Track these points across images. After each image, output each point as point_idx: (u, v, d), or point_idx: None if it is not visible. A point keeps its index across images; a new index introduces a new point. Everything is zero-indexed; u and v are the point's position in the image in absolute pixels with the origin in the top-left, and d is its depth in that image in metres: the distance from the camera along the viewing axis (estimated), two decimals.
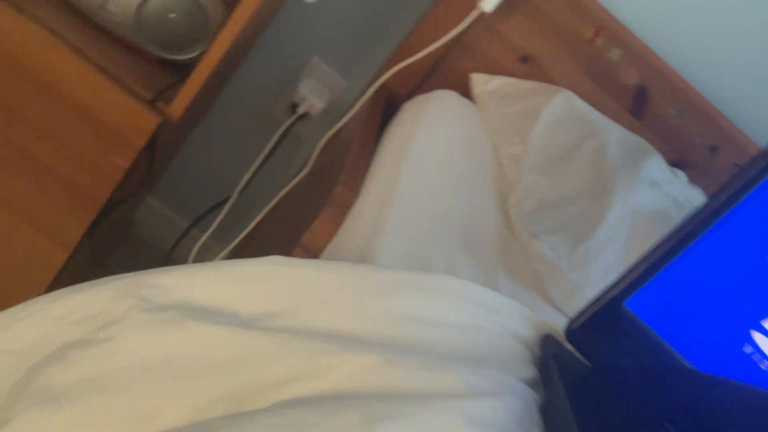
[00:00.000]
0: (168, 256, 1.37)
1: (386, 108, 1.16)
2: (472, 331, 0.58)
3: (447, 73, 1.21)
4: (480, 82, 1.16)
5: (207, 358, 0.52)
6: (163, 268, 0.60)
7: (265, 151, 1.28)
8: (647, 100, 1.20)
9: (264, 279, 0.57)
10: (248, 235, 1.25)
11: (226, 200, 1.28)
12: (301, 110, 1.27)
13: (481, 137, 1.05)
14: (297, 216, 1.10)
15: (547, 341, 0.66)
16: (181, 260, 1.38)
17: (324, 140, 1.17)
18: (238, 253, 1.27)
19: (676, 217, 0.99)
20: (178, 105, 0.98)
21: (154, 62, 1.03)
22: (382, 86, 1.17)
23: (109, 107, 0.95)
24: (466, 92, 1.17)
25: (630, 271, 0.59)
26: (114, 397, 0.51)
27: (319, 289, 0.57)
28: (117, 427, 0.50)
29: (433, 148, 0.96)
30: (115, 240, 1.35)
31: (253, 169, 1.28)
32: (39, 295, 0.61)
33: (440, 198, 0.86)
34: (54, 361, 0.54)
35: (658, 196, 1.01)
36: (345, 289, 0.57)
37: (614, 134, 1.08)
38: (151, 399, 0.50)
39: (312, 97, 1.28)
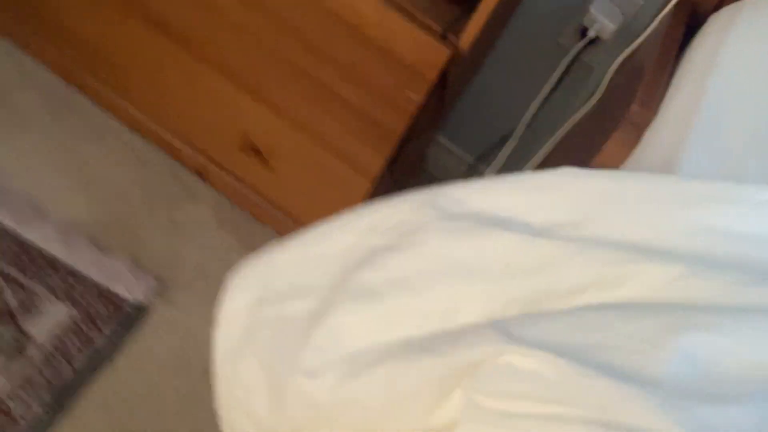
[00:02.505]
0: None
1: (688, 23, 1.05)
2: None
3: None
4: None
5: (501, 264, 0.54)
6: (457, 183, 0.62)
7: (552, 82, 1.25)
8: None
9: (556, 189, 0.57)
10: (534, 168, 1.24)
11: (511, 134, 1.29)
12: (591, 34, 1.21)
13: None
14: (585, 145, 1.06)
15: None
16: None
17: (616, 64, 1.10)
18: None
19: None
20: (467, 37, 1.00)
21: None
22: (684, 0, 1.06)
23: (403, 43, 1.01)
24: None
25: None
26: (418, 295, 0.55)
27: (616, 199, 0.55)
28: (422, 321, 0.54)
29: (746, 61, 0.85)
30: (411, 174, 1.45)
31: (538, 101, 1.26)
32: None
33: (754, 114, 0.76)
34: (366, 263, 0.60)
35: None
36: (644, 198, 0.54)
37: None
38: (451, 298, 0.54)
39: (603, 19, 1.21)
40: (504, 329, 0.46)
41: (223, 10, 1.08)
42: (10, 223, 1.07)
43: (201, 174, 1.27)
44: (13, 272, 1.03)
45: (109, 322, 1.05)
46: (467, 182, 0.62)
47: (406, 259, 0.57)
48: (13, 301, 1.01)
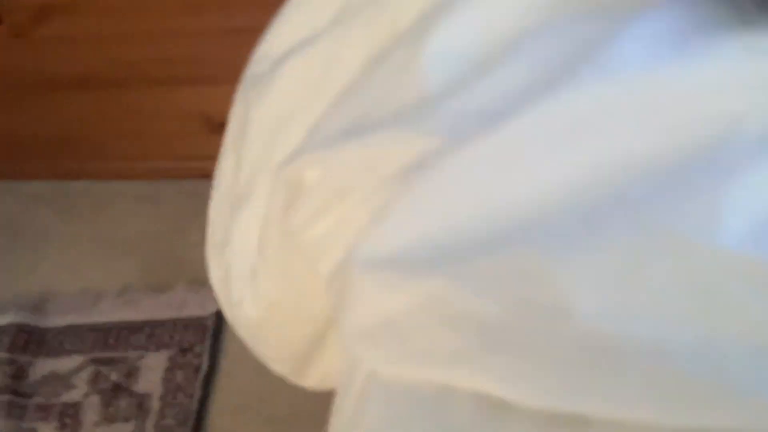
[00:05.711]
0: None
1: None
2: None
3: None
4: None
5: None
6: None
7: None
8: None
9: None
10: None
11: None
12: None
13: None
14: None
15: None
16: None
17: None
18: None
19: None
20: None
21: None
22: None
23: None
24: None
25: None
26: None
27: None
28: None
29: None
30: None
31: None
32: None
33: None
34: None
35: None
36: None
37: None
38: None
39: None
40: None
41: None
42: (78, 319, 1.15)
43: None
44: (102, 354, 1.11)
45: (201, 343, 1.10)
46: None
47: None
48: (115, 377, 1.08)
